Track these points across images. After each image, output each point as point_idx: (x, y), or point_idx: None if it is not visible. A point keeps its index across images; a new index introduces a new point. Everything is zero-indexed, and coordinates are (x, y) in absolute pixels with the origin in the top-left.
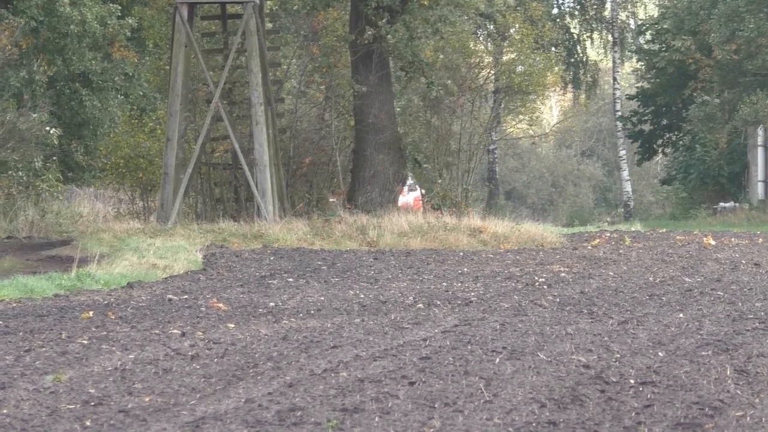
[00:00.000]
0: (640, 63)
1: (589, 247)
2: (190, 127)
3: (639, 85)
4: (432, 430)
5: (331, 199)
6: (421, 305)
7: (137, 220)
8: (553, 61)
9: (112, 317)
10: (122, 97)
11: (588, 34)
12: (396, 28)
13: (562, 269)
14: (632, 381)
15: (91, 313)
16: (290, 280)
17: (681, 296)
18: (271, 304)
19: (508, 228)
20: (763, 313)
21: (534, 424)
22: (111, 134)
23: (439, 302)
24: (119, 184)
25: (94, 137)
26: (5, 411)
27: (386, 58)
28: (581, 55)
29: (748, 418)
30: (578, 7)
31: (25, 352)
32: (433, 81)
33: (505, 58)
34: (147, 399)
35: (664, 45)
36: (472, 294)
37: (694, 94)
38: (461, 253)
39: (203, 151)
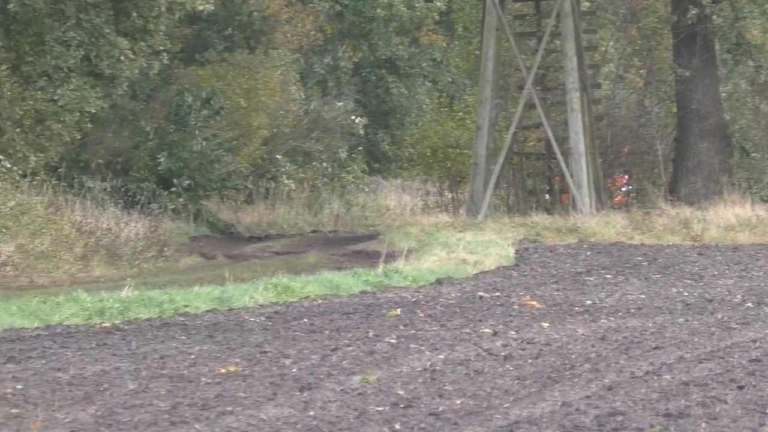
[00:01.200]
0: None
1: None
2: (502, 114)
3: None
4: None
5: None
6: (750, 304)
7: (446, 213)
8: None
9: (421, 315)
10: (430, 83)
11: None
12: (721, 8)
13: None
14: None
15: (398, 310)
16: (608, 276)
17: None
18: (588, 301)
19: None
20: None
21: None
22: (418, 123)
23: None
24: (427, 175)
25: (400, 126)
26: (312, 413)
27: (711, 40)
28: None
29: None
30: None
31: (331, 351)
32: (762, 64)
33: None
34: (458, 401)
35: None
36: None
37: None
38: None
39: (515, 140)
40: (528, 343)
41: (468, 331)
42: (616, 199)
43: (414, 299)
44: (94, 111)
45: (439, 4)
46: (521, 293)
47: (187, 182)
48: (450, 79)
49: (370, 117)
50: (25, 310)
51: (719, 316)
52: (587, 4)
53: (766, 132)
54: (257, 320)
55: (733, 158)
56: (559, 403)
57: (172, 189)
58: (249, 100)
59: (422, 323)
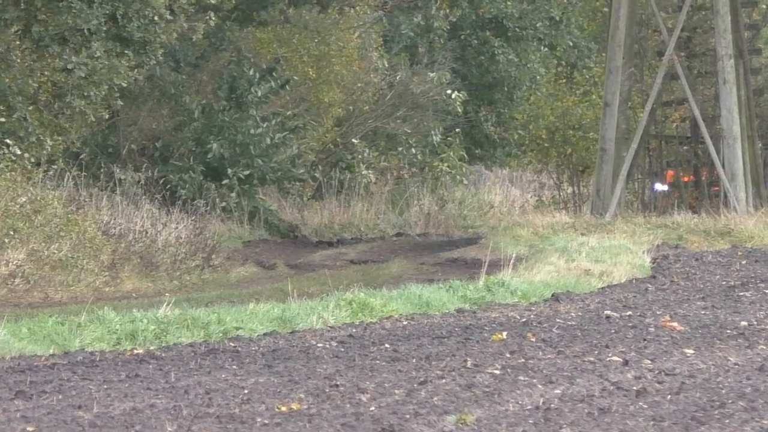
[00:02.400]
0: None
1: None
2: (636, 87)
3: None
4: None
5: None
6: None
7: (565, 211)
8: None
9: (532, 339)
10: (546, 49)
11: None
12: None
13: None
14: None
15: (504, 334)
16: None
17: None
18: (743, 323)
19: None
20: None
21: None
22: (531, 98)
23: None
24: (541, 163)
25: (509, 102)
26: None
27: None
28: None
29: None
30: None
31: (419, 385)
32: None
33: None
34: None
35: None
36: None
37: None
38: None
39: (652, 119)
40: (666, 374)
41: (591, 359)
42: None
43: (524, 320)
44: (125, 84)
45: None
46: (659, 312)
47: (246, 172)
48: (571, 43)
49: (471, 91)
50: (38, 333)
51: None
52: None
53: None
54: (327, 346)
55: None
56: None
57: (224, 182)
58: (319, 70)
59: (534, 350)
